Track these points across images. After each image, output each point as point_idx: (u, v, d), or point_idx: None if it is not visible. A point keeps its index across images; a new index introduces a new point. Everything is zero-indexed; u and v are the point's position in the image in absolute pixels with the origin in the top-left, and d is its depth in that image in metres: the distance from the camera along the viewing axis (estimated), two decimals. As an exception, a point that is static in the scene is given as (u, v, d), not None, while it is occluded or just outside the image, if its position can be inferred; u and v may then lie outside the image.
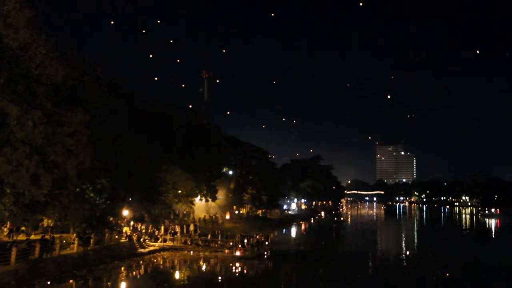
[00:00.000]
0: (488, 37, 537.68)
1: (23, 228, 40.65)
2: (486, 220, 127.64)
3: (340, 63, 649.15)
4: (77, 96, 35.69)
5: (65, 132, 32.01)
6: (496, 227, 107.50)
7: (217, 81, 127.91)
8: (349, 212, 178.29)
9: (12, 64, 30.18)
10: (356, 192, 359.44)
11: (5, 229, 41.58)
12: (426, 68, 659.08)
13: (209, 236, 52.42)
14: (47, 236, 37.88)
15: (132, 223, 51.43)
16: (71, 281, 33.23)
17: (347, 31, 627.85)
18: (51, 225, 37.06)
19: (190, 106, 78.01)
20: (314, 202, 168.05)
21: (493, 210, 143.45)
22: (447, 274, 40.91)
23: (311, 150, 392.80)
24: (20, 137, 29.26)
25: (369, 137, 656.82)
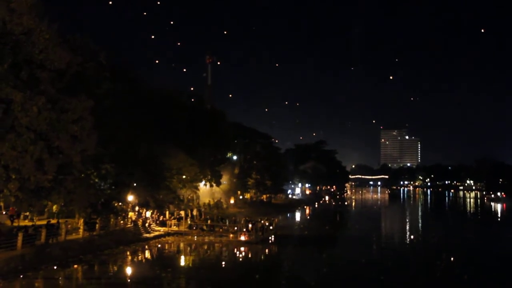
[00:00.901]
0: (493, 18, 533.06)
1: (27, 213, 40.91)
2: (492, 204, 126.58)
3: (344, 47, 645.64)
4: (81, 82, 35.61)
5: (70, 118, 31.98)
6: (502, 211, 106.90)
7: (218, 63, 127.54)
8: (353, 197, 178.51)
9: (15, 49, 30.11)
10: (360, 176, 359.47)
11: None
12: (431, 51, 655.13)
13: (209, 221, 52.57)
14: (53, 221, 38.12)
15: (137, 208, 51.66)
16: (76, 265, 33.55)
17: (350, 13, 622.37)
18: (57, 210, 37.29)
19: (192, 89, 77.75)
20: (318, 187, 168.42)
21: (499, 194, 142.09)
22: (452, 258, 40.93)
23: (314, 134, 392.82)
24: (24, 123, 29.28)
25: (373, 121, 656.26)
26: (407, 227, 69.12)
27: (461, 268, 35.88)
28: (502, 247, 49.08)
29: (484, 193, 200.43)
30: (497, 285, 30.41)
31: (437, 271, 34.60)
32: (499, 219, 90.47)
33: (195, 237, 48.84)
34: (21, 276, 29.14)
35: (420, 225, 75.08)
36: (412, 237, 57.30)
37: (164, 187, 49.82)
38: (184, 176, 54.22)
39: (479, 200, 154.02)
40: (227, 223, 51.95)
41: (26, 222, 39.77)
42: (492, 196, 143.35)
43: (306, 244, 50.30)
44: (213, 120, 65.16)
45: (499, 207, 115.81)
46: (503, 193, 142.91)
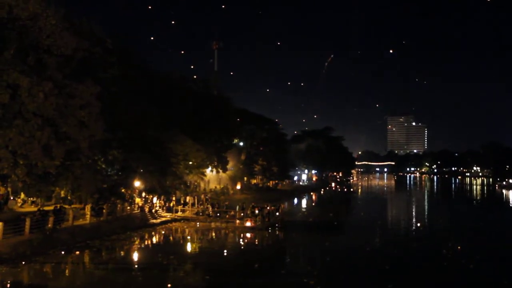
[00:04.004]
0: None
1: (34, 198, 41.10)
2: (504, 191, 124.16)
3: (350, 31, 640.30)
4: (88, 67, 35.52)
5: (77, 104, 31.98)
6: None
7: (216, 38, 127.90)
8: (359, 183, 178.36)
9: (22, 34, 30.00)
10: (367, 163, 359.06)
11: (19, 200, 42.10)
12: (436, 35, 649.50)
13: (213, 208, 52.65)
14: (64, 206, 38.27)
15: (144, 194, 51.81)
16: (84, 251, 33.73)
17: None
18: (69, 197, 37.46)
19: (196, 74, 77.42)
20: (324, 173, 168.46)
21: (511, 181, 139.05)
22: (459, 247, 40.62)
23: (315, 116, 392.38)
24: (31, 109, 29.29)
25: (377, 105, 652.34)
26: (413, 215, 68.83)
27: (467, 258, 35.34)
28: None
29: (491, 179, 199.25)
30: (503, 276, 30.12)
31: (444, 260, 34.25)
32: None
33: (202, 223, 48.98)
34: (29, 261, 29.32)
35: (426, 213, 74.46)
36: (418, 224, 56.98)
37: (171, 173, 49.86)
38: (190, 162, 54.27)
39: (489, 187, 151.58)
40: (237, 209, 51.91)
41: (32, 208, 39.97)
42: (504, 183, 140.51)
43: (311, 230, 50.27)
44: (219, 106, 64.99)
45: (511, 194, 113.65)
46: None
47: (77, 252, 33.14)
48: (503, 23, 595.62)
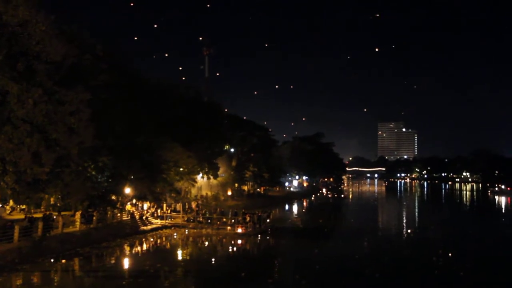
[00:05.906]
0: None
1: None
2: (496, 197, 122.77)
3: (339, 34, 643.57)
4: (78, 74, 35.31)
5: (66, 110, 31.79)
6: (507, 205, 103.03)
7: (207, 44, 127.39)
8: (350, 189, 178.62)
9: (11, 41, 29.83)
10: (357, 169, 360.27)
11: (8, 207, 41.73)
12: (428, 42, 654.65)
13: (207, 214, 52.54)
14: (52, 213, 37.91)
15: (134, 201, 51.53)
16: (73, 258, 33.47)
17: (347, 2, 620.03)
18: (59, 204, 37.14)
19: (184, 78, 77.44)
20: (315, 180, 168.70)
21: (503, 187, 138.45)
22: (450, 254, 40.59)
23: (304, 119, 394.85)
24: (20, 116, 29.11)
25: (365, 109, 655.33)
26: (404, 221, 68.98)
27: (458, 265, 35.24)
28: (506, 244, 47.81)
29: (480, 185, 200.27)
30: (494, 283, 30.12)
31: (434, 268, 34.15)
32: (504, 213, 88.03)
33: (193, 229, 48.81)
34: (17, 269, 29.04)
35: (416, 219, 74.60)
36: (409, 231, 57.03)
37: (161, 179, 49.69)
38: (181, 169, 54.11)
39: (480, 193, 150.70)
40: (229, 215, 51.74)
41: (22, 215, 39.59)
42: (496, 189, 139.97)
43: (301, 237, 50.26)
44: (210, 113, 64.90)
45: (503, 201, 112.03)
46: (508, 187, 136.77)
47: (66, 260, 32.87)
48: (492, 29, 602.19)
